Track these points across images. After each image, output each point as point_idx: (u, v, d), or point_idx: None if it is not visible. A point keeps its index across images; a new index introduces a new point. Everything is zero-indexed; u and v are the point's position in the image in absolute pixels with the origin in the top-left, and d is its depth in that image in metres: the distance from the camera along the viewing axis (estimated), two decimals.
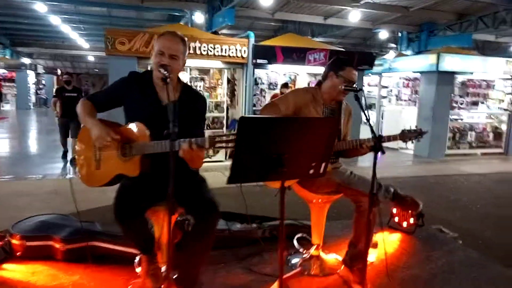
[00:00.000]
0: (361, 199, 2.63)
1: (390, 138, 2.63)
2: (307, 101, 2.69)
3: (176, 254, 2.26)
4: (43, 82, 26.31)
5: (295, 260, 3.05)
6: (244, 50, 7.67)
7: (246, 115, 2.08)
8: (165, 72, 2.10)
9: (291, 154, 2.05)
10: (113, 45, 6.94)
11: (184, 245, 2.29)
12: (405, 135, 2.60)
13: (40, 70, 24.49)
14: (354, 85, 2.64)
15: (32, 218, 3.14)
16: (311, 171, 2.22)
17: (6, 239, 2.86)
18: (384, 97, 11.05)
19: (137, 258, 2.65)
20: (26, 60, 24.46)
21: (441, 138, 8.94)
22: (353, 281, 2.69)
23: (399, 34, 13.65)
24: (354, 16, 10.80)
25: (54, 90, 7.03)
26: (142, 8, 14.70)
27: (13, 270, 2.70)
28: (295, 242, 3.16)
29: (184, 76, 7.68)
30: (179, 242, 2.65)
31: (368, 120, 2.29)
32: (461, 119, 9.38)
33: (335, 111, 2.78)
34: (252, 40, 7.72)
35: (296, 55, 7.88)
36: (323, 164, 2.23)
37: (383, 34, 14.13)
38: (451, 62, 8.67)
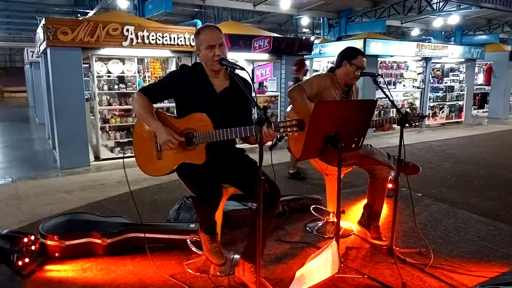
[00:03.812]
0: (375, 168, 3.11)
1: (394, 120, 3.09)
2: (328, 84, 3.06)
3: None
4: None
5: (312, 226, 3.46)
6: (193, 38, 7.70)
7: (321, 100, 2.34)
8: (236, 66, 2.30)
9: (344, 132, 2.43)
10: (55, 35, 6.47)
11: (251, 222, 2.50)
12: (410, 118, 3.03)
13: None
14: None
15: (55, 218, 3.07)
16: (353, 145, 2.63)
17: (39, 242, 2.79)
18: None
19: (189, 241, 2.83)
20: None
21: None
22: (371, 237, 3.19)
23: (321, 21, 14.60)
24: (285, 3, 11.34)
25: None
26: None
27: (61, 270, 2.68)
28: (312, 211, 3.56)
29: (133, 67, 7.52)
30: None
31: (392, 100, 2.75)
32: (384, 98, 10.53)
33: (347, 92, 3.20)
34: None
35: (243, 42, 8.14)
36: (362, 139, 2.65)
37: (305, 20, 14.96)
38: (375, 46, 9.70)
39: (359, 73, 3.04)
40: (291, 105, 3.12)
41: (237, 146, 2.70)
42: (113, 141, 7.37)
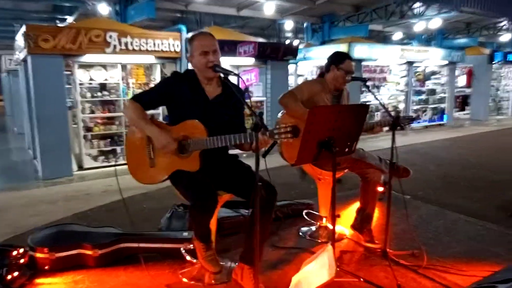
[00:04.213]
0: (367, 171, 3.13)
1: (385, 123, 3.12)
2: (318, 90, 3.07)
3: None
4: None
5: (306, 231, 3.46)
6: (177, 44, 7.65)
7: (316, 106, 2.36)
8: (230, 72, 2.29)
9: (338, 136, 2.44)
10: (36, 42, 6.31)
11: (248, 226, 2.48)
12: (401, 120, 3.03)
13: None
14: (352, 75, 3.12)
15: (44, 230, 2.98)
16: (346, 149, 2.63)
17: (28, 254, 2.70)
18: None
19: (183, 250, 2.79)
20: None
21: None
22: (364, 240, 3.20)
23: (304, 25, 14.72)
24: (269, 8, 11.41)
25: None
26: None
27: (52, 283, 2.60)
28: (305, 216, 3.56)
29: (116, 74, 7.41)
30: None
31: (383, 104, 2.78)
32: (369, 101, 10.69)
33: (339, 97, 3.22)
34: (184, 33, 7.74)
35: (228, 48, 8.13)
36: (355, 143, 2.67)
37: (289, 25, 15.08)
38: (359, 50, 9.83)
39: (350, 78, 3.06)
40: (282, 111, 3.12)
41: (229, 152, 2.68)
42: (97, 150, 7.24)
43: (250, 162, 2.54)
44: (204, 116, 2.38)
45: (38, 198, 5.39)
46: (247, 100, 2.29)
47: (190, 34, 7.88)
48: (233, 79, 2.42)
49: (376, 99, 2.84)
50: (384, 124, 3.06)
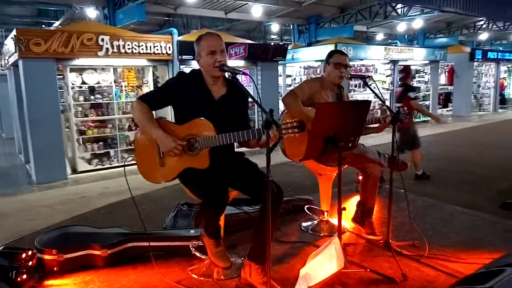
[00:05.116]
0: (368, 166, 3.22)
1: (379, 120, 3.21)
2: (318, 88, 3.16)
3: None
4: None
5: (307, 225, 3.54)
6: (169, 47, 7.68)
7: (323, 102, 2.42)
8: (238, 71, 2.35)
9: (342, 132, 2.52)
10: (27, 46, 6.26)
11: (257, 222, 2.52)
12: (400, 115, 3.10)
13: None
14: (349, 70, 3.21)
15: (50, 232, 2.99)
16: (350, 145, 2.72)
17: (36, 257, 2.70)
18: (289, 86, 12.09)
19: (192, 247, 2.83)
20: None
21: None
22: (365, 233, 3.30)
23: (291, 27, 14.88)
24: (257, 11, 11.51)
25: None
26: (11, 2, 13.08)
27: (62, 285, 2.61)
28: (306, 211, 3.64)
29: (109, 77, 7.39)
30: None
31: (383, 101, 2.88)
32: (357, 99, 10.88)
33: (339, 94, 3.30)
34: (176, 36, 7.77)
35: None
36: (357, 138, 2.76)
37: (275, 27, 15.20)
38: (345, 50, 9.99)
39: (348, 75, 3.15)
40: (283, 110, 3.19)
41: (236, 150, 2.74)
42: (90, 153, 7.20)
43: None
44: (211, 116, 2.41)
45: (34, 203, 5.35)
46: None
47: (181, 36, 7.99)
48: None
49: (378, 96, 2.93)
50: (382, 120, 3.15)
